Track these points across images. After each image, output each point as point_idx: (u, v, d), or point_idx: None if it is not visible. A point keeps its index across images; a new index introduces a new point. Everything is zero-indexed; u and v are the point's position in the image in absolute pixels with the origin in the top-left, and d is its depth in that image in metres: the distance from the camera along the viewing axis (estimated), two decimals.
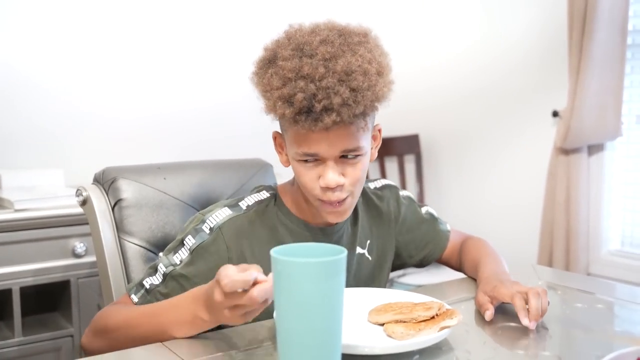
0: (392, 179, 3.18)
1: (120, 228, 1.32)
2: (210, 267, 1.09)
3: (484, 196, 3.08)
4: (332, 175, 1.06)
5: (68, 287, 2.03)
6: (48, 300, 2.19)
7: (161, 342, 1.00)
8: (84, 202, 1.34)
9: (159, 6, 2.62)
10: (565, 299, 1.20)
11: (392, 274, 2.81)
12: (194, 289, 1.00)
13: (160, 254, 1.16)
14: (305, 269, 0.76)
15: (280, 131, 1.15)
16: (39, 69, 2.39)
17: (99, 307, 2.06)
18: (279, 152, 1.17)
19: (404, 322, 0.98)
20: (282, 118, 1.06)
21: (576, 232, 2.58)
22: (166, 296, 1.08)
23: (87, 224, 1.35)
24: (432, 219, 1.38)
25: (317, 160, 1.08)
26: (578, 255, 2.57)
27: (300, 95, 1.01)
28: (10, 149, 2.34)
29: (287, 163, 1.15)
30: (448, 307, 1.02)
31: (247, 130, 2.57)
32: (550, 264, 2.63)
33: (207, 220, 1.13)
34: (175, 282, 1.10)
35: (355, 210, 1.26)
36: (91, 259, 2.01)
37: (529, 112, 2.84)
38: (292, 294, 0.77)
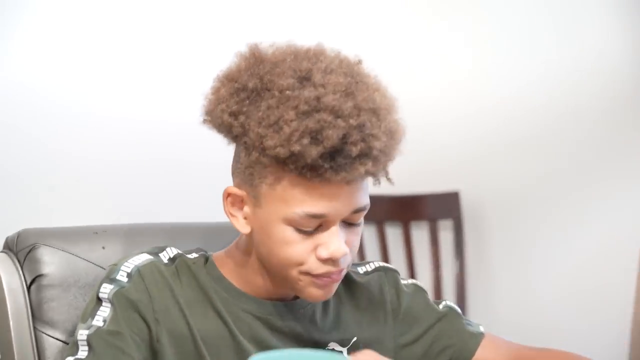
0: (422, 252, 2.77)
1: (37, 316, 1.14)
2: (138, 325, 0.96)
3: (549, 281, 2.72)
4: (339, 243, 0.95)
5: None
6: None
7: None
8: None
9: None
10: None
11: None
12: None
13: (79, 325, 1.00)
14: None
15: (241, 186, 1.00)
16: None
17: None
18: (233, 215, 1.01)
19: None
20: (293, 160, 0.91)
21: None
22: None
23: None
24: (454, 314, 1.16)
25: (319, 225, 0.95)
26: None
27: (331, 132, 0.88)
28: None
29: (247, 227, 1.00)
30: None
31: (214, 186, 2.36)
32: None
33: (123, 266, 1.01)
34: (104, 343, 0.95)
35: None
36: None
37: (613, 167, 2.57)
38: None
